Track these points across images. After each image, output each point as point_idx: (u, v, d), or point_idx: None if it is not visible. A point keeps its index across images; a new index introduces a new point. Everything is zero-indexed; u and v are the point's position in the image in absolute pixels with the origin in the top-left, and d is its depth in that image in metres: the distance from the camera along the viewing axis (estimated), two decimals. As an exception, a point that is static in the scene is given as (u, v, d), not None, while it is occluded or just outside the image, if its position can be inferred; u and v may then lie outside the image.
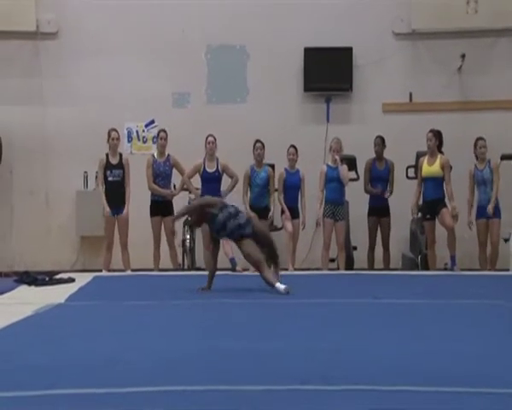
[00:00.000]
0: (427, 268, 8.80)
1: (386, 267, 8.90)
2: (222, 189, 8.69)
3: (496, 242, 8.56)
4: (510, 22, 10.04)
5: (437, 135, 8.65)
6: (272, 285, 6.39)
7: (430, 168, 8.60)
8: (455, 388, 3.20)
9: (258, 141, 8.84)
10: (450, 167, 8.95)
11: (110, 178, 8.63)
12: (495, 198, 8.61)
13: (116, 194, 8.60)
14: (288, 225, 8.77)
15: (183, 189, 8.87)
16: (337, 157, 8.60)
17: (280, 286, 6.32)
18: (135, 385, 3.25)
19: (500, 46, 10.26)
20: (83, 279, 7.68)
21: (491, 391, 3.16)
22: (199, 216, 6.61)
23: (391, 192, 8.92)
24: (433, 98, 10.22)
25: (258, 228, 6.62)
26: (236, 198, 8.82)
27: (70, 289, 6.94)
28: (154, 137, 10.33)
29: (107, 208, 8.52)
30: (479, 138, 8.56)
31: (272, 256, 6.64)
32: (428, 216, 8.64)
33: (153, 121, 10.41)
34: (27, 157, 10.40)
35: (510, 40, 10.25)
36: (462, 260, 9.25)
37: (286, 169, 8.90)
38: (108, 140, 8.69)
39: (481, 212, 8.56)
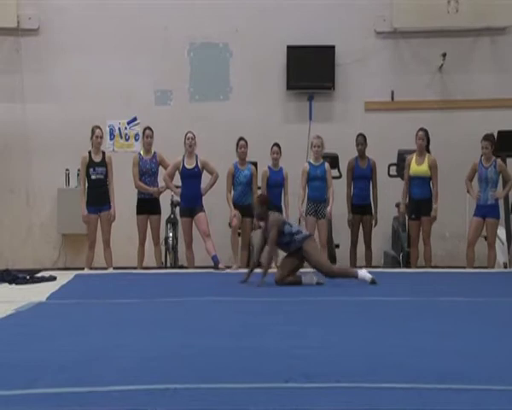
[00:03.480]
0: (408, 266, 8.85)
1: (369, 265, 8.94)
2: (202, 186, 8.66)
3: (493, 242, 8.50)
4: (490, 21, 10.12)
5: (427, 134, 8.69)
6: (356, 276, 6.90)
7: (418, 168, 8.63)
8: (437, 385, 3.23)
9: (241, 139, 8.84)
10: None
11: (93, 176, 8.58)
12: (506, 193, 8.54)
13: (99, 192, 8.54)
14: (271, 223, 8.77)
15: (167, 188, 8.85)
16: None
17: (364, 274, 6.90)
18: (116, 384, 3.24)
19: (480, 45, 10.34)
20: (64, 277, 7.63)
21: (474, 388, 3.19)
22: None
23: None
24: (414, 97, 10.27)
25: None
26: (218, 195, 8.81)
27: (51, 287, 6.90)
28: (136, 135, 10.28)
29: (85, 211, 8.46)
30: (483, 138, 8.50)
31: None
32: (413, 216, 8.69)
33: (135, 119, 10.35)
34: (7, 154, 10.30)
35: (490, 39, 10.33)
36: (443, 258, 9.33)
37: (269, 167, 8.91)
38: (92, 137, 8.63)
39: (478, 210, 8.51)
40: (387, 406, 2.97)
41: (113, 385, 3.22)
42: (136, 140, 10.24)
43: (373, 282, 6.87)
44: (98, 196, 8.53)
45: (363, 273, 6.94)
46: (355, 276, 6.92)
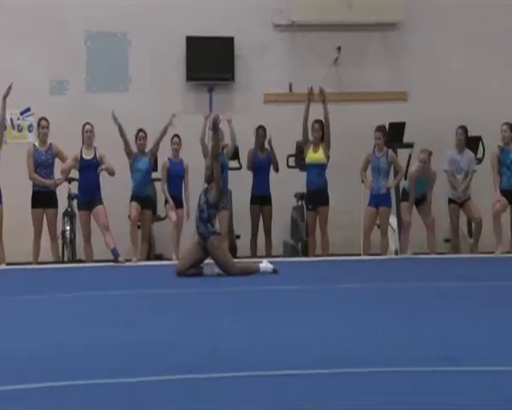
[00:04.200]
0: (307, 255, 9.08)
1: (269, 255, 9.09)
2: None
3: (385, 230, 8.87)
4: (383, 17, 10.49)
5: (322, 125, 8.94)
6: (258, 270, 7.02)
7: (315, 155, 8.86)
8: (333, 369, 3.36)
9: (140, 130, 8.75)
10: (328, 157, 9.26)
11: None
12: (396, 182, 8.91)
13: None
14: (172, 215, 8.75)
15: (66, 179, 8.64)
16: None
17: (266, 266, 7.06)
18: (7, 383, 3.15)
19: (374, 40, 10.69)
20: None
21: (367, 371, 3.34)
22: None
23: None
24: (312, 89, 10.48)
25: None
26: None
27: None
28: (29, 126, 9.92)
29: None
30: (375, 129, 8.82)
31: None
32: (310, 206, 8.92)
33: (28, 109, 9.97)
34: None
35: (383, 35, 10.71)
36: (340, 246, 9.62)
37: (169, 158, 8.86)
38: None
39: (372, 199, 8.83)
40: (290, 392, 3.06)
41: (7, 384, 3.13)
42: (30, 131, 9.87)
43: (274, 271, 7.00)
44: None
45: (265, 266, 7.07)
46: (257, 271, 7.02)
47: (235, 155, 9.45)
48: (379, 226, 9.01)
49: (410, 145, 9.55)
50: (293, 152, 9.63)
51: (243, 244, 9.31)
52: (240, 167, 9.45)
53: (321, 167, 8.84)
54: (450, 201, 9.08)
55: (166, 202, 8.84)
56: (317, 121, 8.94)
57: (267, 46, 10.41)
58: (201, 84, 10.36)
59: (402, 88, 10.56)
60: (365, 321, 4.64)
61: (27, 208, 8.46)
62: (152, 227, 9.12)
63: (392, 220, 9.16)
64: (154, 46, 10.14)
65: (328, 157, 8.87)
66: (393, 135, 9.28)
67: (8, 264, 8.36)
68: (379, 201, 8.85)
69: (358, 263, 8.48)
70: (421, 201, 8.94)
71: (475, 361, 3.51)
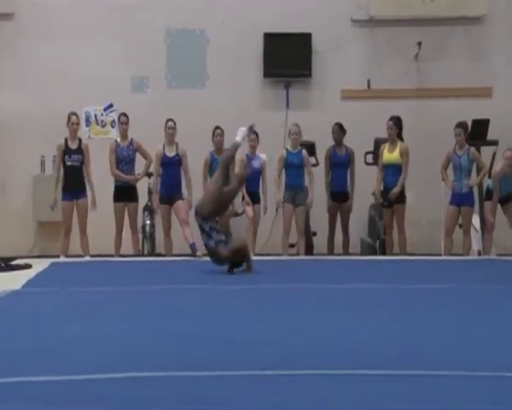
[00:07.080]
0: (384, 253, 8.94)
1: (346, 252, 9.00)
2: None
3: (468, 230, 8.63)
4: (466, 11, 10.20)
5: (397, 123, 8.77)
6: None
7: (390, 155, 8.72)
8: (419, 371, 3.30)
9: (217, 128, 8.83)
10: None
11: (69, 163, 8.52)
12: (479, 180, 8.69)
13: (75, 179, 8.50)
14: (249, 211, 8.80)
15: (146, 174, 8.85)
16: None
17: None
18: (92, 372, 3.24)
19: (456, 34, 10.41)
20: (40, 265, 7.58)
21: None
22: None
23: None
24: (390, 85, 10.32)
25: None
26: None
27: (27, 275, 6.85)
28: (112, 122, 10.22)
29: (54, 200, 8.37)
30: (456, 125, 8.59)
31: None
32: (386, 204, 8.78)
33: (111, 105, 10.28)
34: (-19, 142, 10.16)
35: (465, 28, 10.41)
36: (419, 245, 9.42)
37: (247, 155, 8.92)
38: (68, 124, 8.58)
39: (454, 198, 8.61)
40: (359, 390, 3.02)
41: (88, 374, 3.22)
42: (113, 127, 10.17)
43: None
44: (74, 183, 8.48)
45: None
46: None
47: (312, 151, 9.42)
48: (461, 226, 8.75)
49: (495, 143, 9.24)
50: (371, 149, 9.50)
51: (320, 241, 9.26)
52: (317, 164, 9.40)
53: (397, 167, 8.68)
54: (539, 200, 8.72)
55: (243, 197, 8.90)
56: (391, 118, 8.75)
57: (345, 42, 10.31)
58: (278, 80, 10.38)
59: (486, 84, 10.24)
60: (443, 322, 4.52)
61: (110, 202, 8.71)
62: (229, 223, 9.21)
63: (475, 220, 8.88)
64: (231, 43, 10.24)
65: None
66: (477, 132, 8.99)
67: (91, 256, 8.64)
68: (461, 200, 8.60)
69: (439, 263, 8.27)
70: (507, 200, 8.62)
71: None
